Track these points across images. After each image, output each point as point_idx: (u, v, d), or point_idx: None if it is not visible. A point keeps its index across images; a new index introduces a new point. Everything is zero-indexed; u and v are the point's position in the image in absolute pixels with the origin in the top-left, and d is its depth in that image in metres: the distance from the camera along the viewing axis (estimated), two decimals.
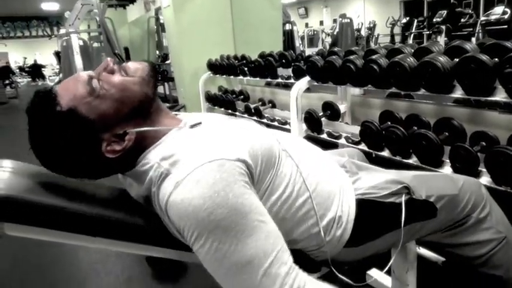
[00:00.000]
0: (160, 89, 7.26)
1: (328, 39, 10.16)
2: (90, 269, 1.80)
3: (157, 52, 9.48)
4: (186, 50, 3.81)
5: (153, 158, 0.74)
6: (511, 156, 1.31)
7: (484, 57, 1.32)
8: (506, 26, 5.76)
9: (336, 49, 2.30)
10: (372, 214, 0.92)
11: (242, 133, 0.81)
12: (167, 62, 8.63)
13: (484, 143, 1.58)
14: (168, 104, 6.32)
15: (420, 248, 1.44)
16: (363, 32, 10.50)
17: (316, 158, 0.95)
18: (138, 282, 1.65)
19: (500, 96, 1.35)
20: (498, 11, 5.80)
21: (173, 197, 0.67)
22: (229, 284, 0.65)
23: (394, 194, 0.93)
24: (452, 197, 0.97)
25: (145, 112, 0.80)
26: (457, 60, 1.41)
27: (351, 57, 1.91)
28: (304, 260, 0.74)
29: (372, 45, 8.65)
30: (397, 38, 9.04)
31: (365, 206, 0.91)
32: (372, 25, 10.49)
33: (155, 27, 8.99)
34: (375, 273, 1.34)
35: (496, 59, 1.33)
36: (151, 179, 0.73)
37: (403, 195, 0.92)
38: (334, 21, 10.02)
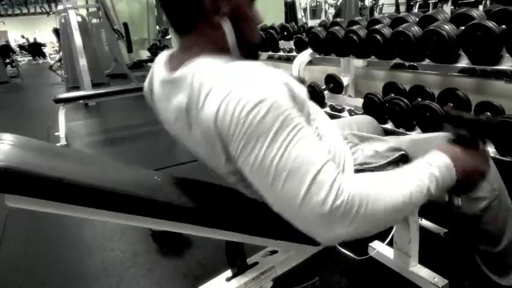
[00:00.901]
0: None
1: (332, 10, 9.93)
2: (96, 243, 1.83)
3: (157, 27, 9.34)
4: None
5: (198, 67, 0.73)
6: None
7: (491, 24, 1.28)
8: None
9: (338, 20, 2.24)
10: None
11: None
12: (168, 37, 8.52)
13: (489, 113, 1.56)
14: None
15: (422, 219, 1.44)
16: (367, 2, 10.24)
17: (327, 123, 0.95)
18: (143, 257, 1.68)
19: (507, 64, 1.32)
20: None
21: (223, 107, 0.65)
22: (277, 194, 0.64)
23: (391, 163, 0.94)
24: None
25: (238, 44, 0.79)
26: (463, 28, 1.37)
27: (354, 27, 1.86)
28: (304, 234, 0.73)
29: (376, 15, 8.46)
30: (402, 8, 8.82)
31: None
32: None
33: (154, 1, 8.82)
34: (377, 245, 1.35)
35: (504, 26, 1.29)
36: (193, 90, 0.71)
37: (400, 163, 0.93)
38: None
